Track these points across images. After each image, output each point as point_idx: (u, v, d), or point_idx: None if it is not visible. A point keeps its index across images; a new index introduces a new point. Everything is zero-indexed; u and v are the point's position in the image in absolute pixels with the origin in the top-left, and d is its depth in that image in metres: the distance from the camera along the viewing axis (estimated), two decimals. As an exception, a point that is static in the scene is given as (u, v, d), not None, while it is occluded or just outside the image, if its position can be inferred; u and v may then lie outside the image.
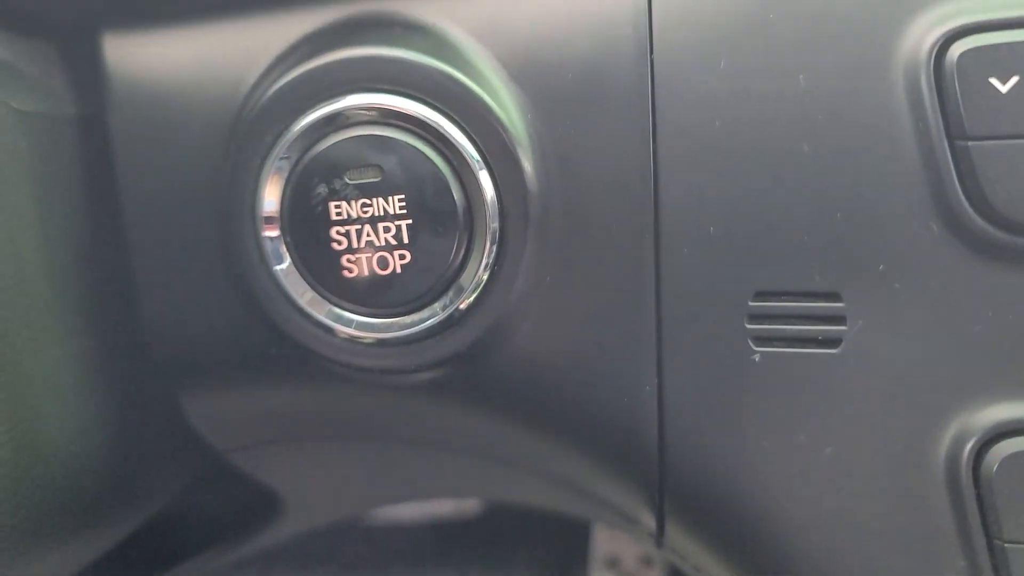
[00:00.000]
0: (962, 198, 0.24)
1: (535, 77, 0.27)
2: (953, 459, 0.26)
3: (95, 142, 0.31)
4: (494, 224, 0.27)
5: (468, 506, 0.70)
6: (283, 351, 0.30)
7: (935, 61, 0.24)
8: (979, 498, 0.25)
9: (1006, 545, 0.25)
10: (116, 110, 0.30)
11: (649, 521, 0.31)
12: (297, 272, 0.28)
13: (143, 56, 0.30)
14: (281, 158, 0.27)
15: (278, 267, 0.28)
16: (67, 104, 0.31)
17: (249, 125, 0.27)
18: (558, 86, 0.27)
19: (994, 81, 0.23)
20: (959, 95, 0.23)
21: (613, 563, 0.72)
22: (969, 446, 0.25)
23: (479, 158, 0.27)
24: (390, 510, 0.71)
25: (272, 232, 0.27)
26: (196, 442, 0.35)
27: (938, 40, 0.24)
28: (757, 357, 0.27)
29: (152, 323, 0.31)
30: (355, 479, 0.42)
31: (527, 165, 0.27)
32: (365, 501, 0.48)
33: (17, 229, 0.28)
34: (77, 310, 0.30)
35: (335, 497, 0.44)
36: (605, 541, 0.69)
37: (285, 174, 0.27)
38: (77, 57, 0.31)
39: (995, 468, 0.25)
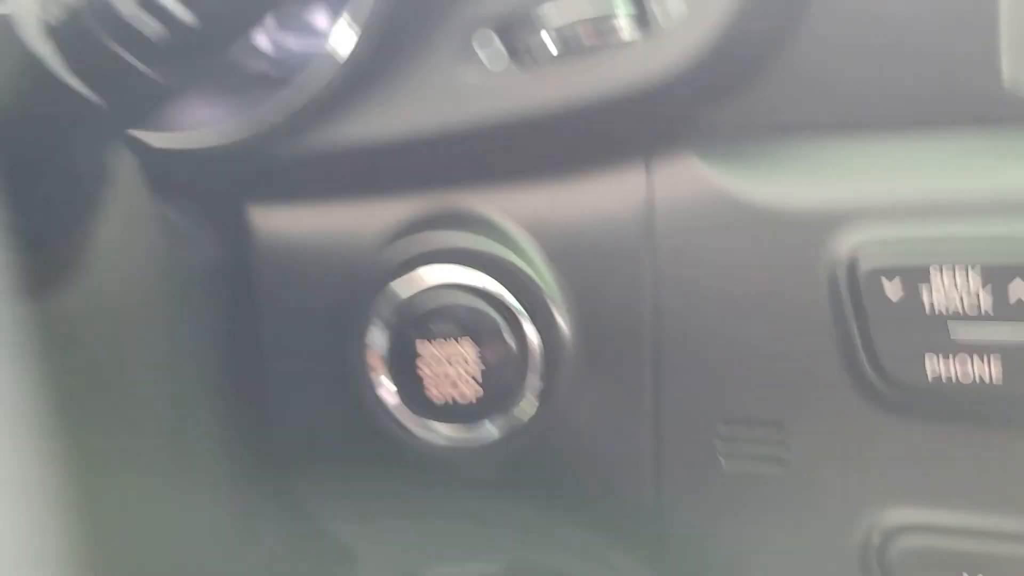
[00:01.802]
0: (866, 363, 0.34)
1: (565, 258, 0.38)
2: (865, 549, 0.35)
3: (237, 284, 0.42)
4: (540, 364, 0.37)
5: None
6: (382, 448, 0.40)
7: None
8: (884, 579, 0.35)
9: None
10: (258, 262, 0.41)
11: None
12: (398, 397, 0.38)
13: (280, 224, 0.41)
14: (384, 312, 0.38)
15: (382, 393, 0.38)
16: (216, 255, 0.42)
17: (362, 286, 0.38)
18: (583, 265, 0.37)
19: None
20: (863, 296, 0.33)
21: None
22: (878, 541, 0.35)
23: (527, 315, 0.37)
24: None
25: (378, 369, 0.38)
26: (298, 514, 0.45)
27: (850, 252, 0.34)
28: (724, 467, 0.36)
29: (282, 426, 0.42)
30: (415, 544, 0.52)
31: (560, 320, 0.37)
32: (422, 562, 0.58)
33: (179, 347, 0.39)
34: (220, 413, 0.41)
35: (399, 558, 0.54)
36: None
37: (387, 323, 0.37)
38: (228, 222, 0.42)
39: (896, 556, 0.34)
